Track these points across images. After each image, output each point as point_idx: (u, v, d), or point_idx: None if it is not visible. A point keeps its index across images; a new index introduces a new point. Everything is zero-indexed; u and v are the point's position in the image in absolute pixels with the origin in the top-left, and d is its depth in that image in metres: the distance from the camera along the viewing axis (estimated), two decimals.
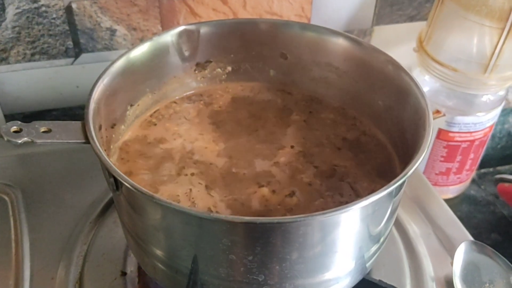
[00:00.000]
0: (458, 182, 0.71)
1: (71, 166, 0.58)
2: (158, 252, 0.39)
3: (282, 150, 0.47)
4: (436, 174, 0.70)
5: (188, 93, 0.52)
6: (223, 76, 0.53)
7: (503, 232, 0.72)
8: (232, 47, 0.52)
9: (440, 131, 0.65)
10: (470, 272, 0.48)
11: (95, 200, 0.54)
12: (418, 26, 0.69)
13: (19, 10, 0.57)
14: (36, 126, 0.38)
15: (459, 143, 0.66)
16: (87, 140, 0.37)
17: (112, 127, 0.45)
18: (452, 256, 0.49)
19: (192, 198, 0.42)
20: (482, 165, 0.79)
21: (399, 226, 0.54)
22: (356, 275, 0.41)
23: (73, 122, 0.39)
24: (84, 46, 0.61)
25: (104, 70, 0.43)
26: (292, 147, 0.47)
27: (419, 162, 0.36)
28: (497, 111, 0.65)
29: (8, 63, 0.60)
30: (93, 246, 0.50)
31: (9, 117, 0.64)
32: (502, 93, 0.64)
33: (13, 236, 0.50)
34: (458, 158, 0.67)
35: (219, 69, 0.53)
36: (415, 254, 0.51)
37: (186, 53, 0.50)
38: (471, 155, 0.68)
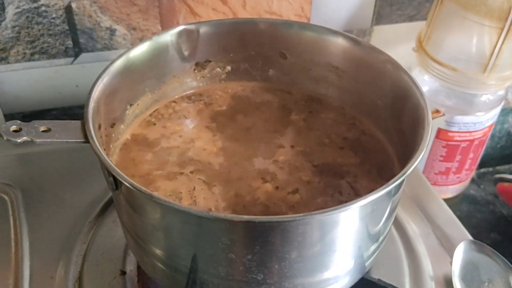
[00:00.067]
0: (457, 181, 0.71)
1: (70, 165, 0.58)
2: (158, 251, 0.39)
3: (282, 149, 0.47)
4: (435, 173, 0.70)
5: (187, 92, 0.52)
6: (223, 76, 0.53)
7: (502, 232, 0.72)
8: (232, 47, 0.52)
9: (439, 130, 0.65)
10: (469, 272, 0.48)
11: (94, 200, 0.54)
12: (418, 26, 0.69)
13: (19, 10, 0.57)
14: (36, 125, 0.38)
15: (459, 143, 0.66)
16: (87, 140, 0.37)
17: (112, 127, 0.45)
18: (451, 256, 0.49)
19: (194, 196, 0.42)
20: (482, 164, 0.79)
21: (399, 225, 0.54)
22: (355, 274, 0.41)
23: (72, 121, 0.39)
24: (83, 46, 0.61)
25: (104, 70, 0.43)
26: (292, 146, 0.47)
27: (418, 161, 0.36)
28: (497, 110, 0.65)
29: (8, 63, 0.60)
30: (93, 245, 0.50)
31: (9, 117, 0.64)
32: (501, 92, 0.65)
33: (12, 236, 0.50)
34: (458, 157, 0.68)
35: (218, 69, 0.53)
36: (414, 253, 0.51)
37: (186, 53, 0.50)
38: (471, 155, 0.68)
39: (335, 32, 0.50)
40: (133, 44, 0.52)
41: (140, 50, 0.47)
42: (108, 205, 0.53)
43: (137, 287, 0.47)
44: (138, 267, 0.48)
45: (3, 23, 0.57)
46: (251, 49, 0.52)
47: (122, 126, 0.47)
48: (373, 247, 0.41)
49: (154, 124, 0.49)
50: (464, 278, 0.48)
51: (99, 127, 0.41)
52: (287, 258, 0.35)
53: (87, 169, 0.56)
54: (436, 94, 0.64)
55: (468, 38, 0.59)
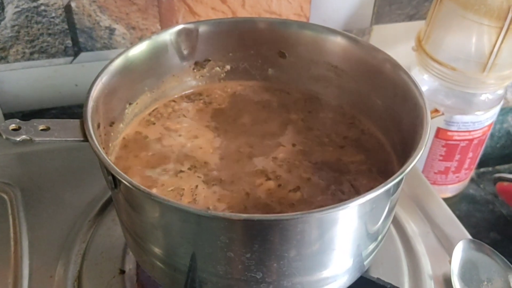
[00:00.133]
0: (457, 181, 0.71)
1: (70, 164, 0.58)
2: (157, 250, 0.39)
3: (282, 148, 0.47)
4: (435, 173, 0.70)
5: (187, 91, 0.53)
6: (222, 75, 0.53)
7: (502, 231, 0.72)
8: (231, 46, 0.52)
9: (438, 130, 0.65)
10: (468, 271, 0.48)
11: (93, 199, 0.54)
12: (417, 25, 0.69)
13: (18, 9, 0.57)
14: (35, 124, 0.38)
15: (458, 142, 0.66)
16: (86, 138, 0.37)
17: (111, 125, 0.45)
18: (450, 255, 0.49)
19: (195, 194, 0.42)
20: (481, 164, 0.79)
21: (398, 224, 0.54)
22: (354, 273, 0.41)
23: (71, 120, 0.39)
24: (83, 45, 0.61)
25: (103, 69, 0.43)
26: (294, 145, 0.47)
27: (417, 160, 0.36)
28: (496, 110, 0.65)
29: (7, 62, 0.60)
30: (92, 244, 0.50)
31: (8, 116, 0.64)
32: (500, 92, 0.65)
33: (12, 235, 0.50)
34: (457, 157, 0.68)
35: (217, 68, 0.53)
36: (414, 252, 0.51)
37: (185, 52, 0.50)
38: (470, 154, 0.68)
39: (334, 32, 0.50)
40: (132, 43, 0.52)
41: (139, 49, 0.47)
42: (107, 204, 0.53)
43: (136, 286, 0.47)
44: (137, 266, 0.48)
45: (2, 22, 0.57)
46: (250, 48, 0.52)
47: (121, 125, 0.47)
48: (372, 246, 0.41)
49: (154, 123, 0.49)
50: (463, 277, 0.48)
51: (98, 126, 0.41)
52: (285, 256, 0.35)
53: (86, 168, 0.56)
54: (436, 93, 0.64)
55: (467, 38, 0.59)
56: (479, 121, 0.64)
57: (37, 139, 0.38)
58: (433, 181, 0.70)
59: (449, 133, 0.65)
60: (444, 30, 0.60)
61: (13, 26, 0.58)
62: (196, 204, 0.41)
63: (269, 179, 0.44)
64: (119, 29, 0.61)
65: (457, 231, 0.54)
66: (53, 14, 0.58)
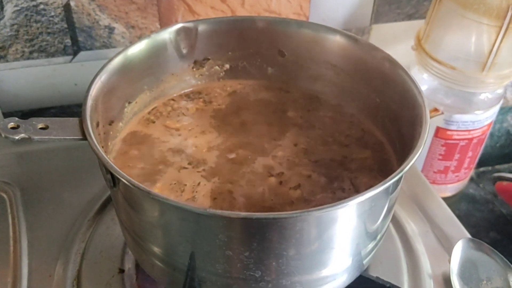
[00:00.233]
0: (456, 180, 0.71)
1: (69, 164, 0.58)
2: (156, 249, 0.39)
3: (281, 146, 0.47)
4: (434, 172, 0.70)
5: (186, 90, 0.52)
6: (221, 74, 0.53)
7: (501, 231, 0.72)
8: (230, 45, 0.52)
9: (438, 129, 0.65)
10: (468, 270, 0.48)
11: (93, 198, 0.54)
12: (417, 25, 0.69)
13: (18, 8, 0.57)
14: (34, 122, 0.38)
15: (457, 141, 0.66)
16: (84, 137, 0.37)
17: (110, 124, 0.45)
18: (449, 254, 0.49)
19: (196, 191, 0.42)
20: (481, 163, 0.79)
21: (397, 224, 0.54)
22: (353, 272, 0.41)
23: (70, 118, 0.39)
24: (82, 44, 0.61)
25: (102, 67, 0.43)
26: (294, 143, 0.47)
27: (416, 158, 0.36)
28: (495, 109, 0.65)
29: (7, 61, 0.60)
30: (91, 243, 0.50)
31: (8, 115, 0.64)
32: (500, 91, 0.65)
33: (11, 234, 0.50)
34: (456, 156, 0.68)
35: (217, 67, 0.53)
36: (413, 251, 0.51)
37: (184, 51, 0.50)
38: (469, 153, 0.68)
39: (333, 30, 0.50)
40: (132, 42, 0.52)
41: (138, 48, 0.47)
42: (106, 204, 0.53)
43: (135, 285, 0.47)
44: (137, 265, 0.48)
45: (1, 21, 0.57)
46: (249, 47, 0.52)
47: (120, 124, 0.47)
48: (371, 245, 0.41)
49: (153, 122, 0.49)
50: (462, 276, 0.48)
51: (97, 124, 0.41)
52: (284, 255, 0.35)
53: (85, 168, 0.56)
54: (435, 92, 0.64)
55: (466, 37, 0.59)
56: (478, 120, 0.64)
57: (36, 137, 0.38)
58: (433, 180, 0.70)
59: (449, 132, 0.65)
60: (443, 29, 0.60)
61: (12, 25, 0.58)
62: (195, 201, 0.41)
63: (270, 176, 0.44)
64: (119, 28, 0.61)
65: (457, 230, 0.54)
66: (52, 13, 0.58)
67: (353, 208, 0.35)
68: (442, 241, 0.53)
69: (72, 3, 0.58)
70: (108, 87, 0.43)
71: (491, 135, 0.85)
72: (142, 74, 0.48)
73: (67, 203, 0.53)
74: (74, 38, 0.61)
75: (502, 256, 0.49)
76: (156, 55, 0.48)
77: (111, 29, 0.61)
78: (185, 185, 0.42)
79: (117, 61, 0.44)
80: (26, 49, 0.60)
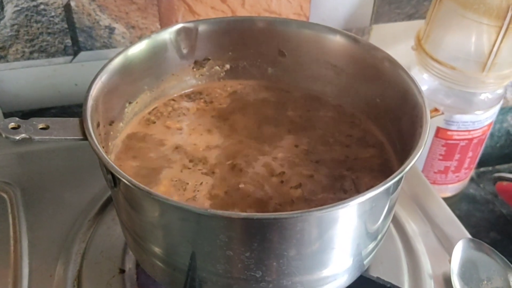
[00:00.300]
0: (456, 180, 0.71)
1: (69, 164, 0.58)
2: (156, 250, 0.39)
3: (282, 146, 0.47)
4: (434, 172, 0.70)
5: (186, 90, 0.53)
6: (222, 74, 0.53)
7: (501, 231, 0.72)
8: (230, 45, 0.52)
9: (438, 129, 0.65)
10: (468, 270, 0.48)
11: (93, 198, 0.54)
12: (417, 25, 0.69)
13: (18, 8, 0.57)
14: (34, 122, 0.38)
15: (458, 142, 0.66)
16: (85, 137, 0.37)
17: (110, 124, 0.45)
18: (450, 254, 0.49)
19: (197, 191, 0.42)
20: (481, 164, 0.79)
21: (398, 224, 0.54)
22: (354, 272, 0.41)
23: (71, 119, 0.39)
24: (82, 44, 0.61)
25: (102, 68, 0.43)
26: (294, 142, 0.47)
27: (416, 159, 0.36)
28: (496, 109, 0.65)
29: (7, 61, 0.60)
30: (92, 243, 0.50)
31: (8, 115, 0.64)
32: (500, 91, 0.65)
33: (11, 234, 0.50)
34: (457, 156, 0.68)
35: (217, 67, 0.53)
36: (414, 252, 0.51)
37: (184, 51, 0.50)
38: (470, 154, 0.68)
39: (333, 31, 0.50)
40: (132, 43, 0.52)
41: (138, 48, 0.47)
42: (107, 204, 0.53)
43: (136, 286, 0.47)
44: (137, 265, 0.48)
45: (2, 22, 0.57)
46: (250, 47, 0.52)
47: (121, 124, 0.47)
48: (371, 245, 0.41)
49: (154, 122, 0.49)
50: (463, 276, 0.48)
51: (98, 125, 0.41)
52: (285, 255, 0.35)
53: (86, 168, 0.56)
54: (435, 92, 0.64)
55: (467, 37, 0.59)
56: (478, 120, 0.64)
57: (36, 137, 0.38)
58: (433, 180, 0.70)
59: (449, 133, 0.65)
60: (443, 30, 0.60)
61: (13, 25, 0.58)
62: (196, 201, 0.41)
63: (271, 176, 0.44)
64: (119, 28, 0.61)
65: (457, 230, 0.54)
66: (53, 13, 0.58)
67: (354, 208, 0.35)
68: (442, 241, 0.53)
69: (72, 3, 0.58)
70: (108, 87, 0.43)
71: (491, 135, 0.85)
72: (142, 74, 0.48)
73: (67, 203, 0.53)
74: (75, 38, 0.61)
75: (503, 256, 0.49)
76: (156, 55, 0.48)
77: (111, 29, 0.61)
78: (187, 183, 0.42)
79: (117, 61, 0.44)
80: (26, 49, 0.60)
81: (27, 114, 0.64)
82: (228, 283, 0.37)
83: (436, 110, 0.63)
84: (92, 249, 0.49)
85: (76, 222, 0.52)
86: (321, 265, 0.38)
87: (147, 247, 0.40)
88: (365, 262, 0.42)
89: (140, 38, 0.60)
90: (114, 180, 0.37)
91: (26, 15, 0.58)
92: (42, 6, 0.57)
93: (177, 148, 0.46)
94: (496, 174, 0.74)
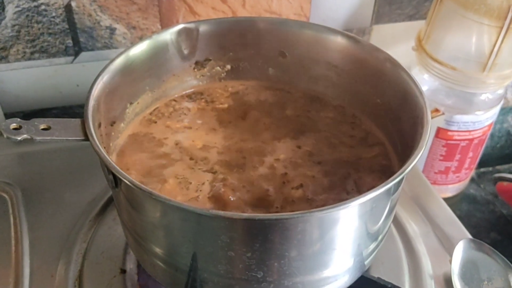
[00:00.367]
0: (457, 181, 0.71)
1: (70, 164, 0.58)
2: (157, 250, 0.39)
3: (282, 146, 0.47)
4: (435, 173, 0.70)
5: (187, 91, 0.53)
6: (223, 75, 0.53)
7: (502, 231, 0.72)
8: (231, 46, 0.52)
9: (439, 129, 0.65)
10: (469, 270, 0.48)
11: (94, 198, 0.54)
12: (417, 25, 0.69)
13: (19, 9, 0.57)
14: (36, 123, 0.38)
15: (458, 142, 0.66)
16: (87, 137, 0.37)
17: (112, 125, 0.45)
18: (451, 254, 0.50)
19: (200, 190, 0.42)
20: (481, 164, 0.79)
21: (398, 224, 0.54)
22: (354, 272, 0.41)
23: (72, 119, 0.39)
24: (83, 45, 0.61)
25: (104, 68, 0.43)
26: (297, 145, 0.47)
27: (417, 159, 0.36)
28: (496, 109, 0.65)
29: (8, 62, 0.60)
30: (93, 244, 0.50)
31: (9, 116, 0.64)
32: (500, 91, 0.65)
33: (12, 234, 0.50)
34: (457, 156, 0.68)
35: (218, 68, 0.53)
36: (414, 252, 0.51)
37: (185, 51, 0.50)
38: (470, 154, 0.68)
39: (334, 31, 0.50)
40: (133, 43, 0.52)
41: (140, 49, 0.47)
42: (108, 204, 0.53)
43: (137, 286, 0.47)
44: (138, 266, 0.48)
45: (3, 22, 0.57)
46: (250, 48, 0.52)
47: (122, 124, 0.47)
48: (372, 246, 0.41)
49: (155, 122, 0.49)
50: (463, 276, 0.48)
51: (99, 125, 0.41)
52: (286, 256, 0.35)
53: (87, 168, 0.56)
54: (436, 93, 0.64)
55: (467, 37, 0.59)
56: (479, 120, 0.64)
57: (38, 138, 0.38)
58: (434, 181, 0.70)
59: (450, 133, 0.65)
60: (444, 30, 0.60)
61: (14, 25, 0.58)
62: (198, 201, 0.41)
63: (273, 176, 0.44)
64: (120, 28, 0.61)
65: (458, 231, 0.54)
66: (54, 14, 0.58)
67: (355, 209, 0.35)
68: (443, 241, 0.53)
69: (73, 4, 0.58)
70: (110, 88, 0.43)
71: (492, 135, 0.85)
72: (143, 74, 0.48)
73: (68, 204, 0.53)
74: (76, 39, 0.61)
75: (503, 257, 0.49)
76: (157, 56, 0.48)
77: (112, 30, 0.61)
78: (190, 183, 0.42)
79: (119, 61, 0.44)
80: (27, 50, 0.60)
81: (28, 114, 0.64)
82: (229, 284, 0.38)
83: (436, 110, 0.63)
84: (93, 249, 0.49)
85: (77, 222, 0.52)
86: (322, 265, 0.38)
87: (148, 248, 0.40)
88: (366, 262, 0.42)
89: (141, 38, 0.61)
90: (116, 181, 0.37)
91: (27, 16, 0.58)
92: (43, 7, 0.58)
93: (178, 148, 0.46)
94: (497, 175, 0.74)
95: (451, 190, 0.73)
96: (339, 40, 0.49)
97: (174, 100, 0.52)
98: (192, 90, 0.53)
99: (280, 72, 0.53)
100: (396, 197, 0.40)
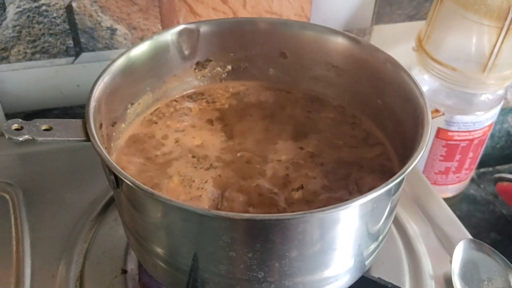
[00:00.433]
0: (457, 181, 0.72)
1: (71, 164, 0.58)
2: (159, 250, 0.40)
3: (283, 146, 0.47)
4: (435, 173, 0.70)
5: (188, 91, 0.53)
6: (223, 75, 0.54)
7: (502, 231, 0.72)
8: (232, 46, 0.52)
9: (439, 130, 0.65)
10: (469, 270, 0.48)
11: (96, 199, 0.54)
12: (417, 26, 0.69)
13: (20, 9, 0.57)
14: (37, 124, 0.38)
15: (458, 142, 0.66)
16: (88, 138, 0.37)
17: (113, 126, 0.45)
18: (451, 255, 0.50)
19: (202, 188, 0.42)
20: (482, 164, 0.80)
21: (399, 225, 0.54)
22: (355, 272, 0.41)
23: (74, 120, 0.39)
24: (84, 45, 0.61)
25: (105, 69, 0.43)
26: (298, 146, 0.47)
27: (418, 160, 0.36)
28: (496, 110, 0.65)
29: (9, 62, 0.60)
30: (94, 244, 0.50)
31: (10, 116, 0.64)
32: (501, 92, 0.65)
33: (14, 234, 0.50)
34: (457, 157, 0.68)
35: (219, 68, 0.53)
36: (415, 252, 0.51)
37: (186, 52, 0.50)
38: (470, 154, 0.68)
39: (335, 32, 0.50)
40: (134, 44, 0.52)
41: (141, 49, 0.47)
42: (109, 204, 0.53)
43: (138, 286, 0.47)
44: (139, 266, 0.48)
45: (4, 23, 0.57)
46: (251, 48, 0.52)
47: (123, 125, 0.47)
48: (373, 246, 0.41)
49: (156, 122, 0.49)
50: (463, 276, 0.48)
51: (100, 126, 0.41)
52: (287, 256, 0.36)
53: (88, 168, 0.56)
54: (436, 93, 0.64)
55: (467, 38, 0.59)
56: (479, 121, 0.64)
57: (39, 139, 0.38)
58: (434, 181, 0.70)
59: (450, 133, 0.65)
60: (444, 31, 0.60)
61: (15, 26, 0.58)
62: (199, 201, 0.41)
63: (273, 176, 0.44)
64: (121, 29, 0.61)
65: (458, 231, 0.54)
66: (55, 14, 0.58)
67: (356, 209, 0.35)
68: (443, 241, 0.53)
69: (74, 5, 0.58)
70: (111, 89, 0.43)
71: (492, 136, 0.86)
72: (144, 75, 0.48)
73: (69, 204, 0.54)
74: (76, 39, 0.61)
75: (503, 257, 0.49)
76: (158, 57, 0.48)
77: (113, 30, 0.61)
78: (193, 181, 0.42)
79: (120, 62, 0.45)
80: (28, 50, 0.60)
81: (29, 115, 0.64)
82: (230, 284, 0.38)
83: (436, 111, 0.63)
84: (94, 249, 0.49)
85: (78, 222, 0.52)
86: (323, 265, 0.38)
87: (149, 248, 0.40)
88: (366, 262, 0.42)
89: (141, 39, 0.61)
90: (117, 181, 0.37)
91: (28, 16, 0.58)
92: (44, 7, 0.58)
93: (179, 148, 0.46)
94: (497, 175, 0.74)
95: (451, 190, 0.73)
96: (340, 41, 0.49)
97: (175, 101, 0.52)
98: (193, 90, 0.53)
99: (280, 72, 0.53)
100: (397, 197, 0.40)
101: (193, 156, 0.45)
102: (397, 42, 0.72)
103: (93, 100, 0.40)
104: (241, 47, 0.52)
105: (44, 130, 0.38)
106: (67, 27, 0.60)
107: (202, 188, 0.42)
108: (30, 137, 0.37)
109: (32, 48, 0.60)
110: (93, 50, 0.62)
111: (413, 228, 0.54)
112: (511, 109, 0.84)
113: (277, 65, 0.53)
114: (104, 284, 0.47)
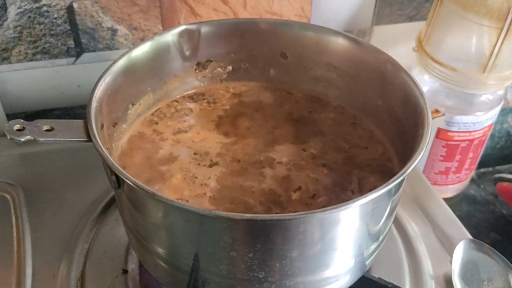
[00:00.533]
0: (457, 181, 0.72)
1: (72, 165, 0.58)
2: (160, 250, 0.40)
3: (284, 146, 0.47)
4: (435, 173, 0.70)
5: (189, 92, 0.53)
6: (224, 76, 0.54)
7: (502, 231, 0.72)
8: (233, 47, 0.52)
9: (439, 130, 0.65)
10: (469, 270, 0.48)
11: (96, 199, 0.54)
12: (418, 26, 0.70)
13: (21, 10, 0.57)
14: (39, 124, 0.38)
15: (458, 143, 0.66)
16: (89, 138, 0.38)
17: (114, 126, 0.45)
18: (451, 255, 0.50)
19: (204, 184, 0.42)
20: (482, 164, 0.80)
21: (399, 225, 0.54)
22: (355, 272, 0.42)
23: (75, 120, 0.39)
24: (85, 46, 0.62)
25: (106, 69, 0.43)
26: (299, 146, 0.47)
27: (418, 160, 0.36)
28: (496, 110, 0.65)
29: (10, 63, 0.60)
30: (95, 244, 0.50)
31: (11, 117, 0.64)
32: (501, 92, 0.65)
33: (15, 234, 0.51)
34: (457, 157, 0.68)
35: (219, 69, 0.53)
36: (415, 252, 0.51)
37: (187, 53, 0.51)
38: (470, 154, 0.68)
39: (335, 32, 0.50)
40: (135, 44, 0.52)
41: (141, 50, 0.47)
42: (110, 204, 0.53)
43: (139, 286, 0.47)
44: (140, 266, 0.48)
45: (5, 23, 0.58)
46: (252, 49, 0.52)
47: (124, 125, 0.47)
48: (373, 246, 0.41)
49: (157, 123, 0.49)
50: (463, 277, 0.48)
51: (102, 126, 0.42)
52: (288, 256, 0.36)
53: (89, 169, 0.56)
54: (436, 94, 0.64)
55: (467, 38, 0.59)
56: (479, 121, 0.64)
57: (41, 139, 0.38)
58: (434, 181, 0.70)
59: (450, 134, 0.65)
60: (444, 31, 0.60)
61: (16, 27, 0.58)
62: (199, 201, 0.41)
63: (274, 176, 0.44)
64: (121, 30, 0.61)
65: (458, 231, 0.54)
66: (56, 15, 0.59)
67: (356, 209, 0.36)
68: (443, 242, 0.53)
69: (75, 5, 0.58)
70: (112, 89, 0.43)
71: (492, 136, 0.86)
72: (145, 76, 0.48)
73: (70, 204, 0.54)
74: (77, 40, 0.61)
75: (503, 257, 0.49)
76: (159, 57, 0.49)
77: (114, 31, 0.61)
78: (195, 179, 0.43)
79: (121, 63, 0.45)
80: (29, 51, 0.60)
81: (30, 115, 0.65)
82: (231, 284, 0.38)
83: (437, 111, 0.63)
84: (95, 249, 0.49)
85: (79, 222, 0.52)
86: (323, 266, 0.38)
87: (150, 248, 0.40)
88: (366, 263, 0.42)
89: (142, 39, 0.61)
90: (118, 181, 0.37)
91: (29, 17, 0.58)
92: (45, 8, 0.58)
93: (180, 148, 0.46)
94: (497, 175, 0.75)
95: (451, 190, 0.73)
96: (340, 41, 0.50)
97: (176, 101, 0.52)
98: (194, 91, 0.53)
99: (281, 73, 0.54)
100: (397, 197, 0.40)
101: (194, 154, 0.45)
102: (397, 43, 0.72)
103: (94, 101, 0.40)
104: (242, 47, 0.52)
105: (46, 130, 0.38)
106: (68, 27, 0.60)
107: (204, 185, 0.42)
108: (32, 138, 0.38)
109: (33, 48, 0.60)
110: (94, 51, 0.62)
111: (413, 228, 0.54)
112: (511, 109, 0.84)
113: (277, 65, 0.53)
114: (105, 284, 0.47)
